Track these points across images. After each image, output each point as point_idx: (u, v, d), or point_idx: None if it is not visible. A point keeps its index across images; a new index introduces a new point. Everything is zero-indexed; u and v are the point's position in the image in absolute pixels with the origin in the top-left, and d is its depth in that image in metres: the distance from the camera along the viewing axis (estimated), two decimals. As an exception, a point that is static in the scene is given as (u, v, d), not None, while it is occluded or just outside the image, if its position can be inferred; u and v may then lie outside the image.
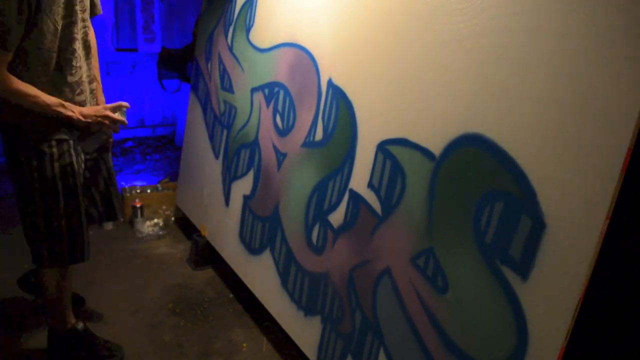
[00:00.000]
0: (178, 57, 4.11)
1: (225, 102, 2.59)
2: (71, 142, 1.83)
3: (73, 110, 1.77)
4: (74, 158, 1.84)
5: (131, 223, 3.34)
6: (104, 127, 1.93)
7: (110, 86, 5.10)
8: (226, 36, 2.59)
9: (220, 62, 2.64)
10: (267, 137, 2.20)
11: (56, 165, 1.79)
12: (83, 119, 1.80)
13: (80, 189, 1.87)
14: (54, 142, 1.78)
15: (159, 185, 3.73)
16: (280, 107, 2.12)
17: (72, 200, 1.85)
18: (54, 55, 1.72)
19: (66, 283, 1.96)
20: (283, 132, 2.09)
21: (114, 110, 1.89)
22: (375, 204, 1.58)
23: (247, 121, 2.38)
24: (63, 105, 1.75)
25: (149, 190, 3.61)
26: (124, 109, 1.92)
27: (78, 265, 1.85)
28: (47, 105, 1.70)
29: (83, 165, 1.93)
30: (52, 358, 2.02)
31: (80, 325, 2.03)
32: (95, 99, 1.98)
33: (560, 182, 1.07)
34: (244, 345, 2.20)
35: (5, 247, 2.91)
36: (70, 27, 1.75)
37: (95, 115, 1.84)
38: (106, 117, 1.86)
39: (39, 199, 1.79)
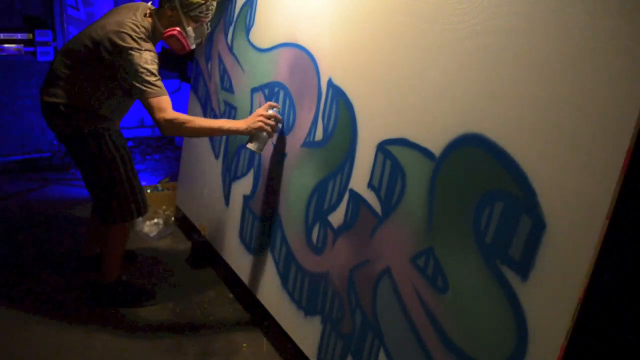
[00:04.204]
0: (178, 57, 4.10)
1: (225, 102, 2.59)
2: (109, 130, 2.21)
3: (236, 124, 2.07)
4: (114, 140, 2.22)
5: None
6: (263, 126, 2.05)
7: (110, 86, 5.08)
8: (226, 36, 2.58)
9: (220, 62, 2.64)
10: (267, 137, 2.20)
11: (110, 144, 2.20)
12: (246, 127, 2.03)
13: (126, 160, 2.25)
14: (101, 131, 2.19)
15: (159, 185, 3.72)
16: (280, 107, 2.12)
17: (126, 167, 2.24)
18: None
19: (126, 238, 2.42)
20: (283, 132, 2.09)
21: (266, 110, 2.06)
22: (375, 204, 1.58)
23: (247, 121, 2.37)
24: (228, 122, 2.14)
25: (149, 190, 3.60)
26: (275, 108, 2.07)
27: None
28: (220, 128, 2.09)
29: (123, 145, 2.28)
30: (99, 305, 2.39)
31: (124, 277, 2.52)
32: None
33: (560, 182, 1.07)
34: (244, 345, 2.20)
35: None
36: None
37: (253, 120, 2.04)
38: (260, 115, 2.03)
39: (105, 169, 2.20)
